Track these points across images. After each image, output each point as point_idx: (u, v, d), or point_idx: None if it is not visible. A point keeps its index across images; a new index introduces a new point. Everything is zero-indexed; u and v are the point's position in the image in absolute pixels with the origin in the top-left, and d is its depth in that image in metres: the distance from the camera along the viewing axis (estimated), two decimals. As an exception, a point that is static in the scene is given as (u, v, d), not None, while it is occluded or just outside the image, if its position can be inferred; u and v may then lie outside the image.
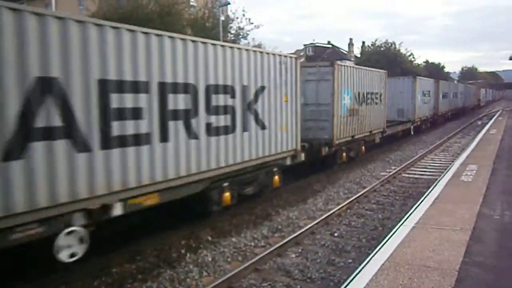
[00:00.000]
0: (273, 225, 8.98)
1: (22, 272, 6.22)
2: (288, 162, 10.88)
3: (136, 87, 6.55)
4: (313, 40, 62.77)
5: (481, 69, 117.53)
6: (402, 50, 46.34)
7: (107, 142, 6.14)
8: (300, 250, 7.63)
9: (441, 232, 5.99)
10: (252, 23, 25.80)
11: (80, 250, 5.93)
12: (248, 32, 25.92)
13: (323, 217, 9.18)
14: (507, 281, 4.49)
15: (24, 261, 6.21)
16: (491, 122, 29.58)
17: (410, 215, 6.99)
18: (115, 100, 6.23)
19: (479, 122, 35.31)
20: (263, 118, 9.56)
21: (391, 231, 6.37)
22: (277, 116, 10.12)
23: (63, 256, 5.76)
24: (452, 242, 5.55)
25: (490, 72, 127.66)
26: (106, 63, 6.06)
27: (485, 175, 10.07)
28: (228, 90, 8.44)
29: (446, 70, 72.11)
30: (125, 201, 6.50)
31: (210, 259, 7.19)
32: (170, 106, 7.14)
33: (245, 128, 8.96)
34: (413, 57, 49.76)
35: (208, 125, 7.97)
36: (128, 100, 6.44)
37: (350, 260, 7.13)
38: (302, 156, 11.39)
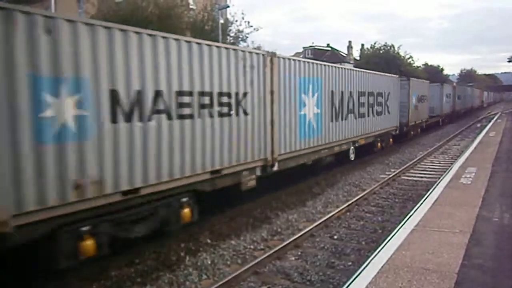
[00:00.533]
0: (273, 228, 8.97)
1: (20, 276, 6.20)
2: (393, 132, 20.15)
3: (365, 93, 15.76)
4: (312, 42, 63.07)
5: (480, 71, 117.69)
6: (401, 53, 46.41)
7: (358, 115, 15.20)
8: (299, 253, 7.62)
9: (441, 234, 6.00)
10: (251, 26, 25.81)
11: (353, 157, 14.97)
12: (247, 35, 25.92)
13: (322, 219, 9.18)
14: (506, 284, 4.49)
15: (23, 265, 6.20)
16: (490, 124, 29.63)
17: (409, 217, 7.00)
18: (360, 99, 15.34)
19: (478, 125, 35.37)
20: (389, 108, 18.89)
21: (390, 233, 6.38)
22: (392, 107, 19.31)
23: (351, 157, 14.84)
24: (451, 245, 5.56)
25: (489, 74, 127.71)
26: (361, 84, 15.43)
27: (484, 177, 10.09)
28: (381, 94, 17.83)
29: (445, 72, 72.15)
30: (358, 140, 15.35)
31: (209, 262, 7.19)
32: (370, 101, 16.39)
33: (384, 113, 18.21)
34: (412, 60, 49.78)
35: (376, 111, 17.18)
36: (362, 99, 15.55)
37: (349, 263, 7.13)
38: (398, 130, 20.76)
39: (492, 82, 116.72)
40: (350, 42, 60.81)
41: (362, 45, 54.69)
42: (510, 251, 5.39)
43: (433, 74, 56.16)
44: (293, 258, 7.40)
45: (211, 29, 23.74)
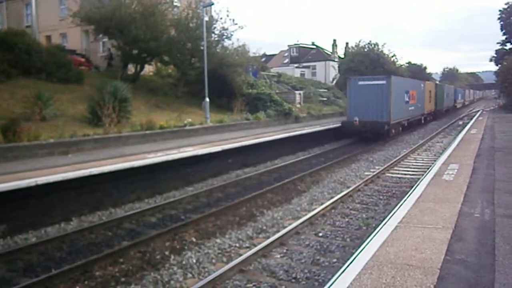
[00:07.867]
0: (258, 226, 8.97)
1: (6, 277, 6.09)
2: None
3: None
4: (297, 41, 63.05)
5: (462, 70, 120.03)
6: (385, 51, 46.83)
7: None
8: (285, 251, 7.63)
9: (424, 231, 6.06)
10: (236, 24, 25.65)
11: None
12: (232, 33, 25.77)
13: (307, 217, 9.21)
14: (487, 278, 4.56)
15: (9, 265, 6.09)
16: (471, 122, 30.12)
17: (393, 214, 7.05)
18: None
19: (460, 122, 35.95)
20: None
21: (374, 230, 6.42)
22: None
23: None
24: (434, 241, 5.62)
25: (471, 73, 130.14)
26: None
27: (466, 174, 10.24)
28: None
29: (428, 71, 73.17)
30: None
31: (194, 260, 7.15)
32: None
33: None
34: (396, 58, 50.28)
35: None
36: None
37: (334, 260, 7.17)
38: None
39: (473, 80, 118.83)
40: (334, 40, 60.65)
41: (347, 43, 54.96)
42: (491, 246, 5.47)
43: (417, 72, 56.90)
44: (278, 256, 7.41)
45: (196, 26, 23.55)
